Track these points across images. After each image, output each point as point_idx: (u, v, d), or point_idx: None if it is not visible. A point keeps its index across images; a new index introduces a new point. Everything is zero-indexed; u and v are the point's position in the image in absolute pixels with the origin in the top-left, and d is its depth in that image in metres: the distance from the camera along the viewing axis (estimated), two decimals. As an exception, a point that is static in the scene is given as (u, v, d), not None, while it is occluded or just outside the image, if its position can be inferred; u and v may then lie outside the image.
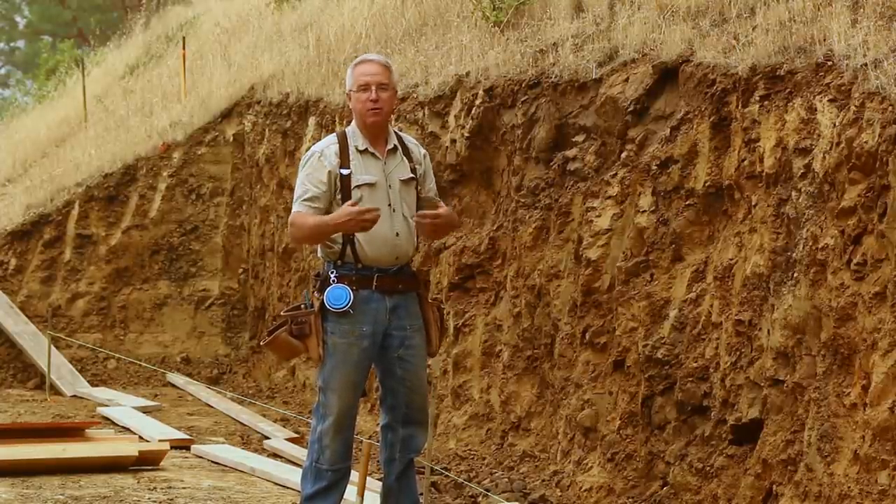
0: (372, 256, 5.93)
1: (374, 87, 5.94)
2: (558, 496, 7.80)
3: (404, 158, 6.08)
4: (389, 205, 5.96)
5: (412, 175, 6.07)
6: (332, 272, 5.94)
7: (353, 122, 6.08)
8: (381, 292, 5.96)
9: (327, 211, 5.92)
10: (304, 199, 5.94)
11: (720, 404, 6.90)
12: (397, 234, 5.96)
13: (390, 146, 6.05)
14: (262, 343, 6.11)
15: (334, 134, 6.12)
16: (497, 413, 9.06)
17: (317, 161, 5.96)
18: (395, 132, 6.16)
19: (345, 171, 5.92)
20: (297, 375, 12.34)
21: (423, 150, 6.24)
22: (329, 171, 5.92)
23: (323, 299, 5.89)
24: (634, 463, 7.48)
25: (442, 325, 6.20)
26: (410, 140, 6.24)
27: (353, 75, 6.01)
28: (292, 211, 6.00)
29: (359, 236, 5.89)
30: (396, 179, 6.01)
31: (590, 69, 8.54)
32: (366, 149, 5.99)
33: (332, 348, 5.92)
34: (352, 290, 5.89)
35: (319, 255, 6.11)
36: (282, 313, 6.05)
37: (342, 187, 5.92)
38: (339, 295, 5.88)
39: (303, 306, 6.00)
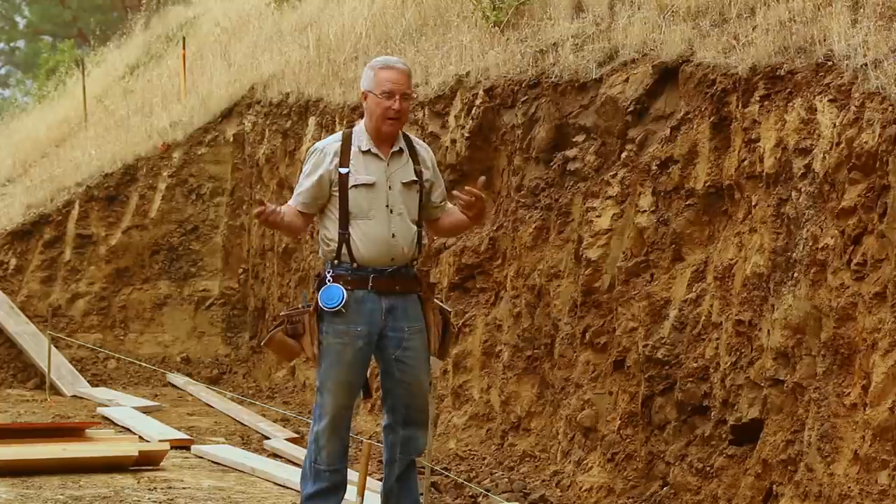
0: (367, 257, 5.93)
1: (398, 97, 5.93)
2: (558, 496, 7.80)
3: (410, 161, 6.06)
4: (387, 205, 5.96)
5: (415, 178, 6.05)
6: (328, 272, 5.95)
7: (362, 122, 6.08)
8: (377, 293, 5.95)
9: (323, 207, 5.97)
10: (298, 198, 6.02)
11: (720, 404, 6.90)
12: (393, 236, 5.95)
13: (396, 148, 6.04)
14: (262, 343, 6.14)
15: (341, 132, 6.12)
16: (497, 413, 9.06)
17: (316, 158, 6.00)
18: (405, 134, 6.15)
19: (343, 170, 5.93)
20: (297, 375, 12.34)
21: (431, 155, 6.20)
22: (326, 170, 5.94)
23: (317, 299, 5.91)
24: (634, 463, 7.48)
25: (448, 328, 6.17)
26: (420, 143, 6.20)
27: (375, 78, 5.96)
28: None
29: (354, 236, 5.91)
30: (398, 181, 6.00)
31: (590, 69, 8.54)
32: (368, 149, 5.99)
33: (326, 348, 5.93)
34: (346, 289, 5.90)
35: (320, 254, 6.13)
36: (280, 313, 6.07)
37: (340, 186, 5.93)
38: (332, 294, 5.89)
39: (301, 306, 6.02)
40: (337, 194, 5.94)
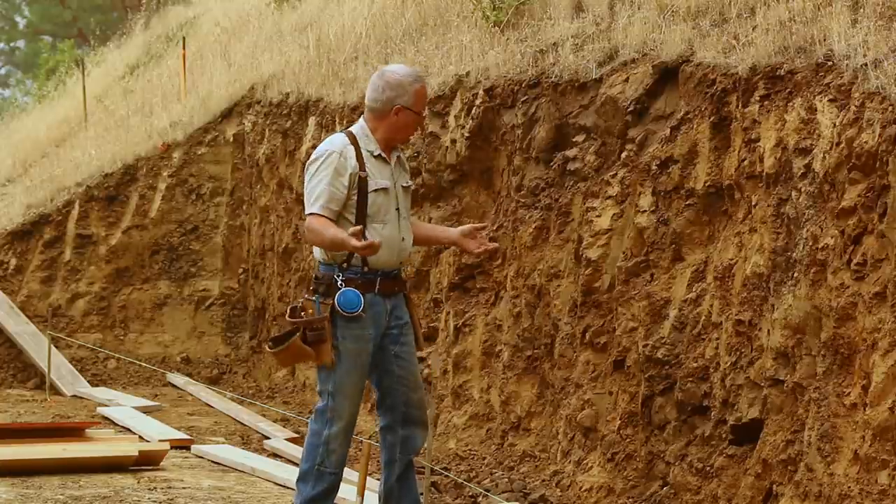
0: (381, 260, 5.94)
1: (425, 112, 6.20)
2: (558, 496, 7.80)
3: (401, 166, 6.19)
4: (397, 209, 6.00)
5: (410, 182, 6.21)
6: (338, 276, 5.92)
7: (364, 126, 6.01)
8: (383, 295, 5.98)
9: (340, 212, 5.89)
10: (327, 204, 5.86)
11: (720, 404, 6.90)
12: (403, 239, 6.03)
13: (398, 153, 6.14)
14: (271, 350, 5.97)
15: (344, 134, 6.03)
16: (497, 413, 9.06)
17: (338, 161, 5.89)
18: None
19: (363, 174, 5.92)
20: (297, 375, 12.34)
21: None
22: (351, 174, 5.90)
23: (334, 304, 5.87)
24: (634, 463, 7.48)
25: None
26: (400, 149, 6.29)
27: (415, 95, 5.99)
28: (312, 212, 5.88)
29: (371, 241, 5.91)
30: (400, 185, 6.10)
31: (590, 69, 8.54)
32: (379, 154, 6.01)
33: (344, 353, 5.89)
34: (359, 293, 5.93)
35: (318, 256, 6.06)
36: (288, 320, 5.96)
37: (359, 189, 5.92)
38: (350, 299, 5.87)
39: (308, 310, 5.94)
40: (355, 198, 5.92)
